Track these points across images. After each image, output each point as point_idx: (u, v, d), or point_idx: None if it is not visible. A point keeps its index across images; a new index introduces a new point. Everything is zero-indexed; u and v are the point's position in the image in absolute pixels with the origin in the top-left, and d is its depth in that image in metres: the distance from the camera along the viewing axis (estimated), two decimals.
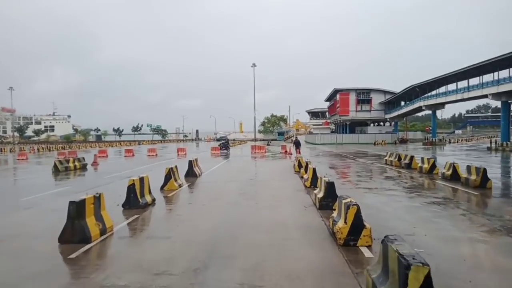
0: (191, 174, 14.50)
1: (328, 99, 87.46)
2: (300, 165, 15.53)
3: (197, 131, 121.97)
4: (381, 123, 75.29)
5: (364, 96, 70.53)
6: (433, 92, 52.80)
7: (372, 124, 75.62)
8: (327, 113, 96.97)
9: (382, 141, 57.74)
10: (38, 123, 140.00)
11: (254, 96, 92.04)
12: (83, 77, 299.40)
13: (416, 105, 55.28)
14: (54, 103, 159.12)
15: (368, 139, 59.59)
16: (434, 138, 51.67)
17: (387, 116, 68.70)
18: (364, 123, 75.88)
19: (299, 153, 21.00)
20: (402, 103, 67.82)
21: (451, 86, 48.13)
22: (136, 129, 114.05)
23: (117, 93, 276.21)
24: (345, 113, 69.68)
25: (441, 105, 51.65)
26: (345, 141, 59.44)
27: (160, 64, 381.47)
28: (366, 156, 26.78)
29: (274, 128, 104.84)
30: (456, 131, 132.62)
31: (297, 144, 21.78)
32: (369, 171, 16.55)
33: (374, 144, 56.80)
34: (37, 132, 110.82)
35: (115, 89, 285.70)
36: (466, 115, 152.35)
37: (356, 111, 70.00)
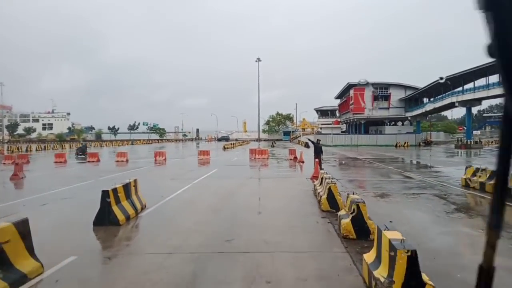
0: (107, 219, 6.90)
1: (339, 96, 79.35)
2: (331, 198, 7.88)
3: (197, 130, 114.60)
4: (399, 123, 67.29)
5: (381, 91, 62.26)
6: (469, 85, 44.64)
7: (387, 124, 67.63)
8: (337, 112, 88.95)
9: (405, 143, 49.91)
10: (36, 120, 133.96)
11: (259, 92, 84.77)
12: (88, 76, 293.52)
13: (446, 101, 47.05)
14: (53, 100, 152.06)
15: (387, 140, 51.72)
16: (469, 140, 43.54)
17: (408, 114, 60.42)
18: (380, 122, 67.83)
19: (319, 165, 13.23)
20: (425, 100, 59.70)
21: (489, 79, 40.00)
22: (133, 127, 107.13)
23: (122, 92, 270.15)
24: (359, 111, 61.50)
25: (477, 101, 43.47)
26: (361, 143, 51.69)
27: (166, 63, 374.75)
28: (411, 168, 19.03)
29: (280, 127, 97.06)
30: (474, 132, 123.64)
31: (317, 151, 13.85)
32: (478, 213, 8.73)
33: (396, 146, 49.04)
34: (28, 130, 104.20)
35: (120, 87, 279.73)
36: (484, 114, 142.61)
37: (372, 108, 61.80)
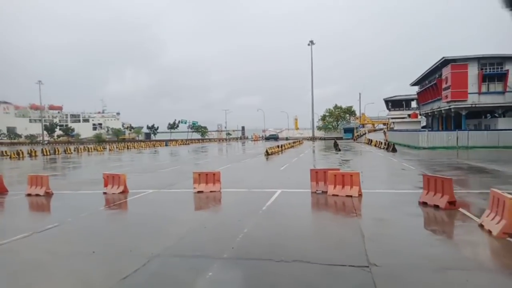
0: None
1: (419, 82, 60.55)
2: None
3: (242, 128, 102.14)
4: (510, 113, 47.52)
5: (492, 68, 43.26)
6: None
7: (487, 116, 48.54)
8: (413, 102, 70.19)
9: None
10: (86, 120, 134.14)
11: (312, 79, 69.33)
12: (145, 78, 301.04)
13: None
14: (103, 101, 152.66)
15: None
16: None
17: None
18: (483, 113, 48.84)
19: None
20: None
21: None
22: (172, 126, 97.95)
23: (177, 94, 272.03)
24: (460, 97, 42.94)
25: None
26: (472, 143, 34.11)
27: (221, 63, 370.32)
28: None
29: (339, 123, 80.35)
30: None
31: None
32: None
33: None
34: (66, 130, 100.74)
35: (176, 89, 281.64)
36: None
37: (480, 93, 43.08)
